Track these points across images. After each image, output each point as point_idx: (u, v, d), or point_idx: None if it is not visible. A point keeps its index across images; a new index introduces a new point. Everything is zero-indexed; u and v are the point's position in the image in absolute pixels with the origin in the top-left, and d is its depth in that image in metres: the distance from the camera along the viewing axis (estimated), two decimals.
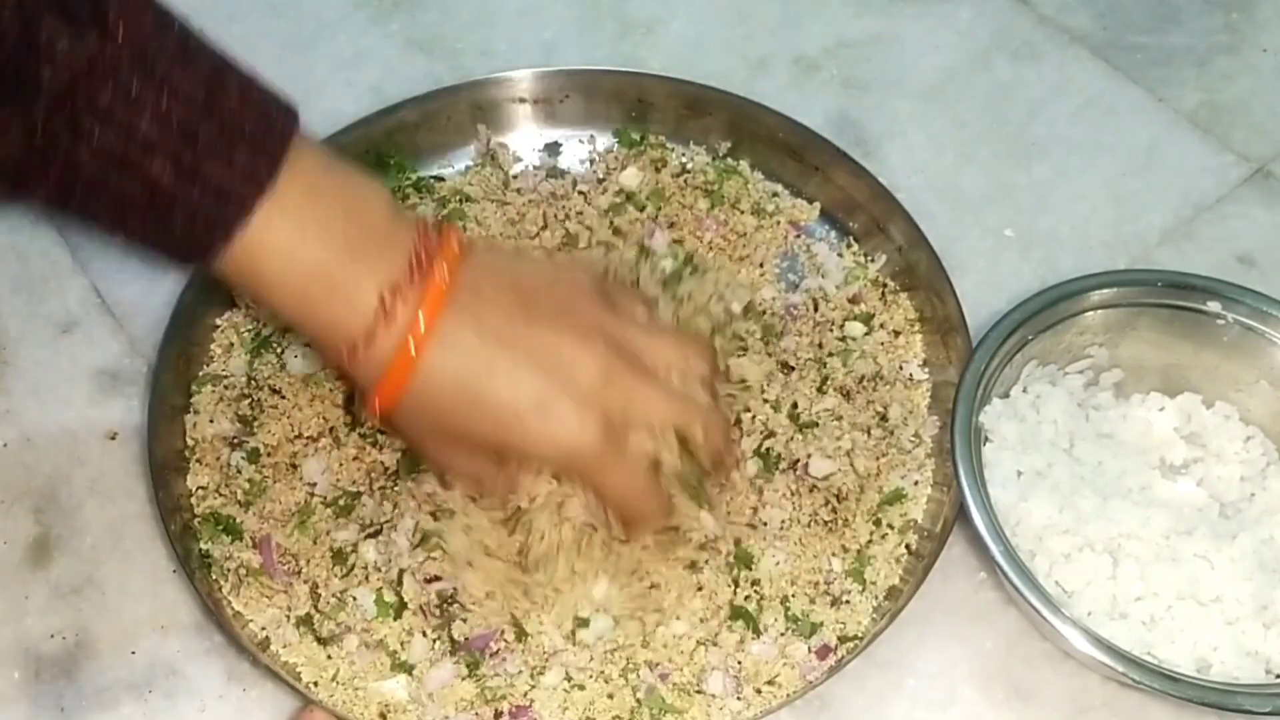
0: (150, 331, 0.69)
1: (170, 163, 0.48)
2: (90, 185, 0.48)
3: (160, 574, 0.63)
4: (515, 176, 0.73)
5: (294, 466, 0.64)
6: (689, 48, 0.81)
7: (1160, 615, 0.57)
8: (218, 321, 0.69)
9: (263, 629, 0.60)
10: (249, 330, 0.68)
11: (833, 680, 0.58)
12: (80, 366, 0.69)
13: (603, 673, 0.58)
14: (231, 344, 0.68)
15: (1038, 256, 0.72)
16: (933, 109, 0.78)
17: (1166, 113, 0.77)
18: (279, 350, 0.67)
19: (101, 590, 0.62)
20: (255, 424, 0.65)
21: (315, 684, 0.59)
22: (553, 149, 0.75)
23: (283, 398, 0.65)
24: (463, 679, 0.58)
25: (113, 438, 0.67)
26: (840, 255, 0.71)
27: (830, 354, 0.67)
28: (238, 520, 0.62)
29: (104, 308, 0.71)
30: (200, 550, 0.62)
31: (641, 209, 0.71)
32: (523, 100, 0.74)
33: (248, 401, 0.66)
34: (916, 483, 0.63)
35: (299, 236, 0.52)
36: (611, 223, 0.71)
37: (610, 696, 0.58)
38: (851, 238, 0.71)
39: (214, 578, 0.61)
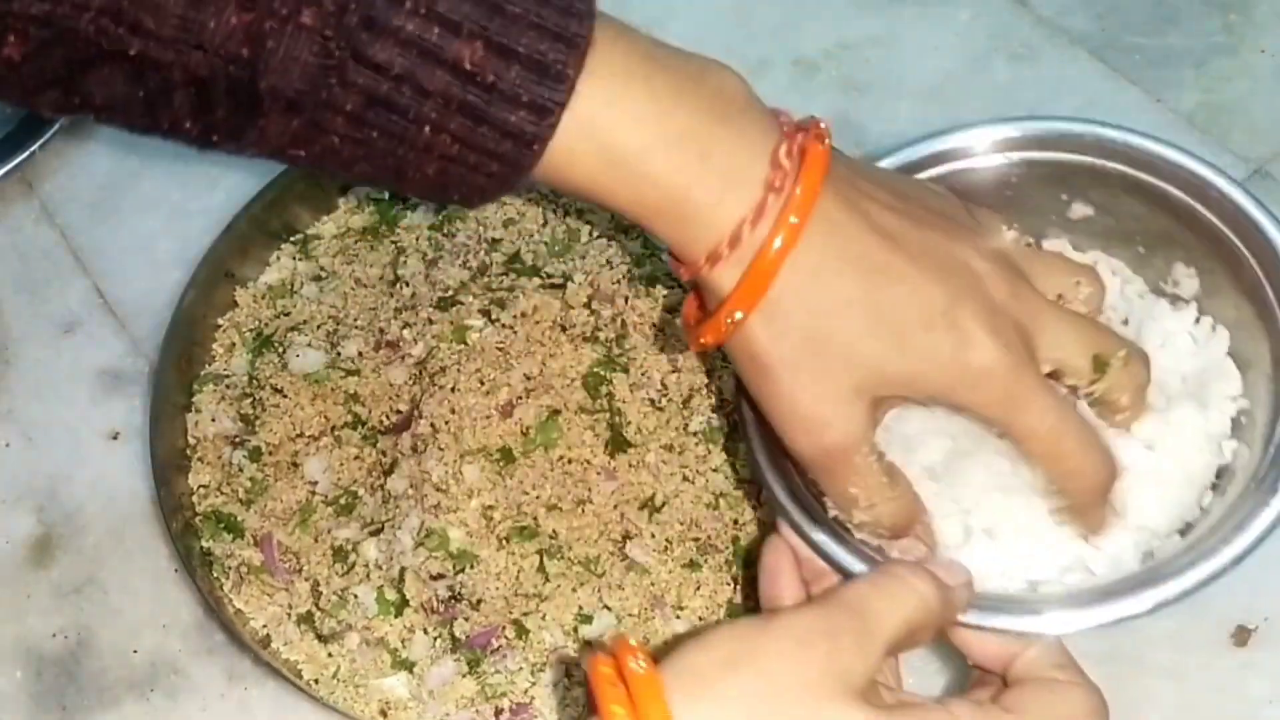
0: (152, 331, 0.69)
1: (478, 40, 0.40)
2: (394, 91, 0.40)
3: (162, 573, 0.63)
4: None
5: (295, 465, 0.64)
6: (689, 48, 0.81)
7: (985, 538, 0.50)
8: (219, 321, 0.69)
9: (264, 626, 0.60)
10: (251, 330, 0.69)
11: None
12: (82, 366, 0.69)
13: None
14: (233, 343, 0.68)
15: None
16: (932, 110, 0.78)
17: (1165, 114, 0.77)
18: (281, 350, 0.67)
19: (103, 589, 0.63)
20: (257, 423, 0.65)
21: (316, 681, 0.59)
22: None
23: (285, 396, 0.65)
24: (463, 676, 0.58)
25: (114, 438, 0.67)
26: None
27: None
28: (239, 518, 0.63)
29: (106, 308, 0.71)
30: (201, 548, 0.62)
31: None
32: None
33: (249, 400, 0.66)
34: None
35: (646, 99, 0.43)
36: (613, 215, 0.71)
37: None
38: None
39: (215, 576, 0.62)
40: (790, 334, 0.44)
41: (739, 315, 0.44)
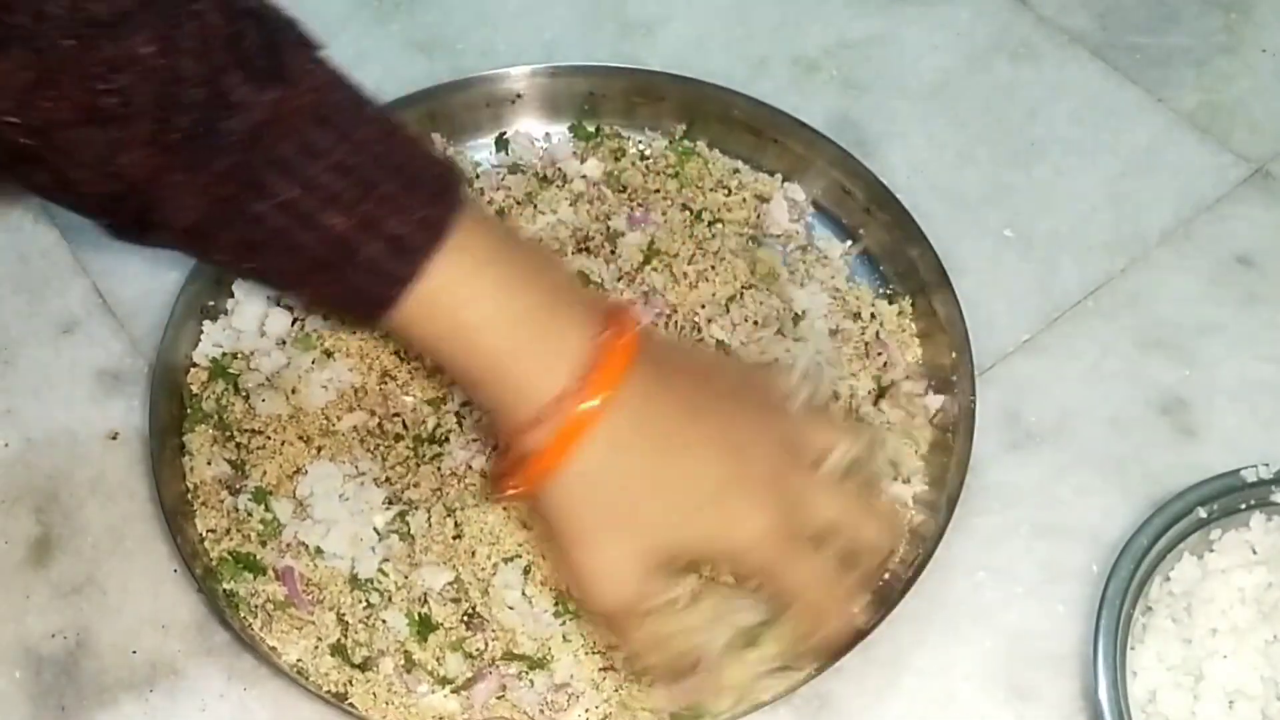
0: (151, 332, 0.69)
1: (349, 215, 0.46)
2: (269, 241, 0.46)
3: (161, 573, 0.63)
4: (478, 177, 0.73)
5: (303, 503, 0.62)
6: (689, 48, 0.81)
7: None
8: (195, 357, 0.67)
9: (298, 660, 0.59)
10: (212, 361, 0.66)
11: (833, 679, 0.58)
12: (81, 366, 0.69)
13: None
14: (204, 380, 0.66)
15: (1037, 257, 0.72)
16: (932, 109, 0.78)
17: (1166, 113, 0.77)
18: (244, 394, 0.65)
19: (102, 590, 0.62)
20: (247, 465, 0.63)
21: (367, 709, 0.58)
22: (505, 146, 0.74)
23: (268, 438, 0.64)
24: (507, 688, 0.58)
25: (114, 437, 0.67)
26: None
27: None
28: (257, 556, 0.61)
29: (105, 308, 0.71)
30: (225, 590, 0.61)
31: (623, 191, 0.72)
32: (479, 105, 0.74)
33: (232, 443, 0.64)
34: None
35: (494, 283, 0.48)
36: (584, 209, 0.71)
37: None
38: (850, 240, 0.71)
39: (243, 616, 0.60)
40: (593, 500, 0.50)
41: (543, 469, 0.49)
